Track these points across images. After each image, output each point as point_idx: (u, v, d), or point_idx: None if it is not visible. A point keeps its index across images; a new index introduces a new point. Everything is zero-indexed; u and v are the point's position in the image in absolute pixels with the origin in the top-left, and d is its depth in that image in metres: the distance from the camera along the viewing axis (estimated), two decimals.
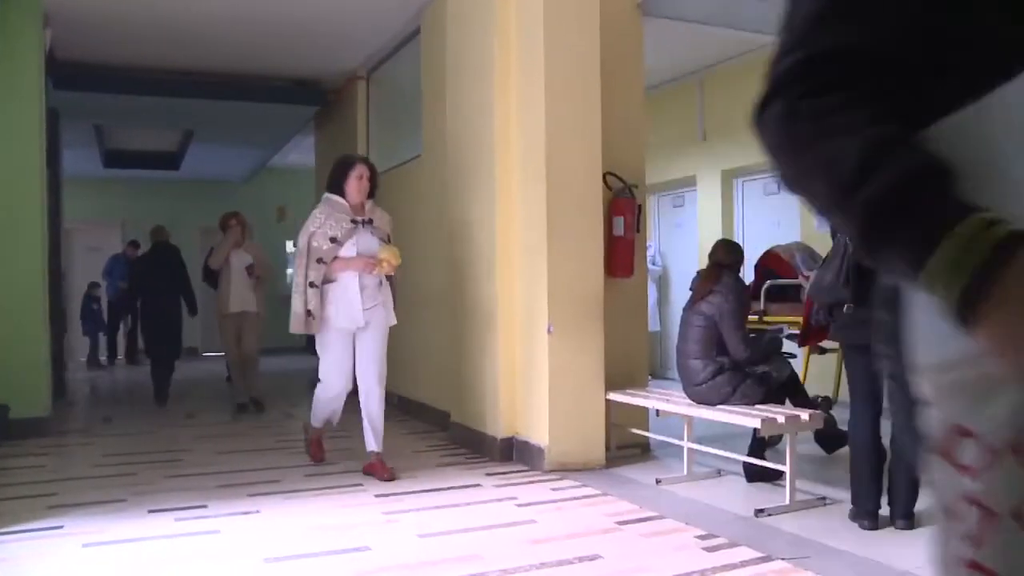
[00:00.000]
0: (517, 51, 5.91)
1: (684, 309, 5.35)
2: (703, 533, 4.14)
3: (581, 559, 3.77)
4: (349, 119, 10.28)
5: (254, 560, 3.85)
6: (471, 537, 4.17)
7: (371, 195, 5.55)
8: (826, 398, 6.28)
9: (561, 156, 5.57)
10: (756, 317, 6.05)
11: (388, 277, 5.54)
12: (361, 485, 5.27)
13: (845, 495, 4.39)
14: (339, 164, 5.62)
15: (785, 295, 6.21)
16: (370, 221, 5.47)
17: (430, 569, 3.71)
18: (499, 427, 5.95)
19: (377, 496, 4.99)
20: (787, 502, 4.52)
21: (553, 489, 5.09)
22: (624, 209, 5.92)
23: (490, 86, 6.04)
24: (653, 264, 10.46)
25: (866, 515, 4.17)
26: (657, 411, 5.62)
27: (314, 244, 5.35)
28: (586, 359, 5.60)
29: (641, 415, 5.98)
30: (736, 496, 4.88)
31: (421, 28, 7.84)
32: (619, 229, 5.90)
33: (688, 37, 7.84)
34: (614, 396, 5.69)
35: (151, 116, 11.16)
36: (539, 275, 5.60)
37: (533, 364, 5.70)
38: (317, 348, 5.58)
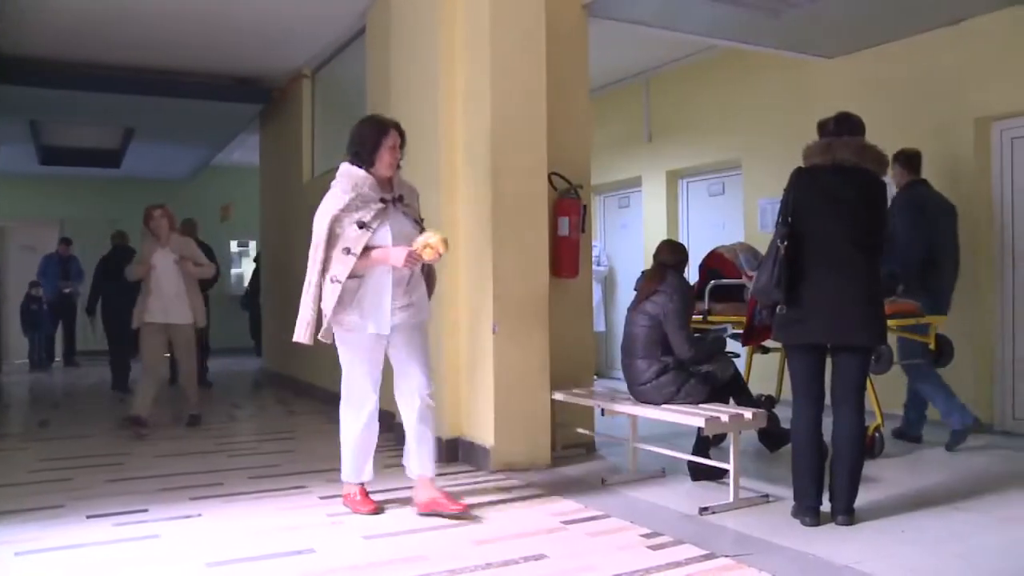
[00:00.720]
0: (462, 51, 5.90)
1: (629, 309, 5.38)
2: (648, 532, 4.16)
3: (527, 559, 3.77)
4: (294, 118, 10.19)
5: (196, 565, 3.78)
6: (417, 538, 4.15)
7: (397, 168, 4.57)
8: (769, 397, 6.36)
9: (506, 156, 5.57)
10: (700, 317, 6.10)
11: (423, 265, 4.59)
12: (305, 487, 5.22)
13: (788, 492, 4.45)
14: (368, 128, 4.48)
15: (729, 295, 6.27)
16: (400, 198, 4.49)
17: (376, 570, 3.68)
18: (444, 428, 5.92)
19: (322, 498, 4.95)
20: (731, 500, 4.57)
21: (499, 489, 5.09)
22: (569, 209, 5.94)
23: (435, 86, 6.02)
24: (598, 264, 10.52)
25: (808, 511, 4.23)
26: (602, 410, 5.64)
27: (338, 230, 4.31)
28: (531, 359, 5.61)
29: (587, 415, 6.00)
30: (681, 494, 4.92)
31: (366, 27, 7.80)
32: (564, 229, 5.92)
33: (634, 39, 7.90)
34: (559, 396, 5.70)
35: (90, 112, 10.94)
36: (484, 275, 5.59)
37: (478, 364, 5.69)
38: (342, 360, 4.58)
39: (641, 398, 5.19)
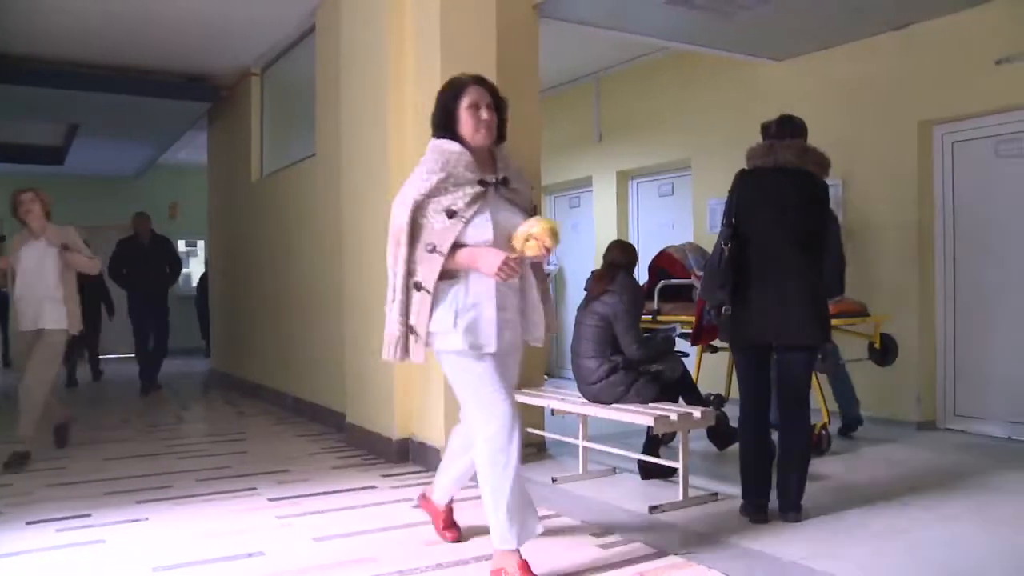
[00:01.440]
0: (413, 51, 5.89)
1: (579, 309, 5.40)
2: (598, 530, 4.19)
3: (477, 559, 3.77)
4: (243, 116, 10.09)
5: (142, 569, 3.73)
6: (367, 539, 4.13)
7: (501, 136, 3.67)
8: (718, 396, 6.42)
9: None
10: (650, 316, 6.15)
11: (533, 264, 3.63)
12: (255, 489, 5.17)
13: (736, 490, 4.49)
14: (441, 91, 3.64)
15: (678, 295, 6.33)
16: (505, 181, 3.54)
17: (325, 572, 3.67)
18: (395, 428, 5.91)
19: (271, 500, 4.90)
20: (680, 498, 4.61)
21: None
22: None
23: (385, 86, 6.00)
24: (549, 264, 10.55)
25: (756, 509, 4.27)
26: (552, 410, 5.66)
27: (422, 221, 3.42)
28: None
29: (537, 414, 6.01)
30: (631, 493, 4.95)
31: (316, 26, 7.74)
32: None
33: (584, 40, 7.93)
34: None
35: (30, 108, 10.69)
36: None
37: (428, 365, 5.67)
38: (456, 390, 3.58)
39: (591, 397, 5.21)
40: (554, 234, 3.32)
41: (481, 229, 3.38)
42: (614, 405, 5.06)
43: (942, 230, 6.88)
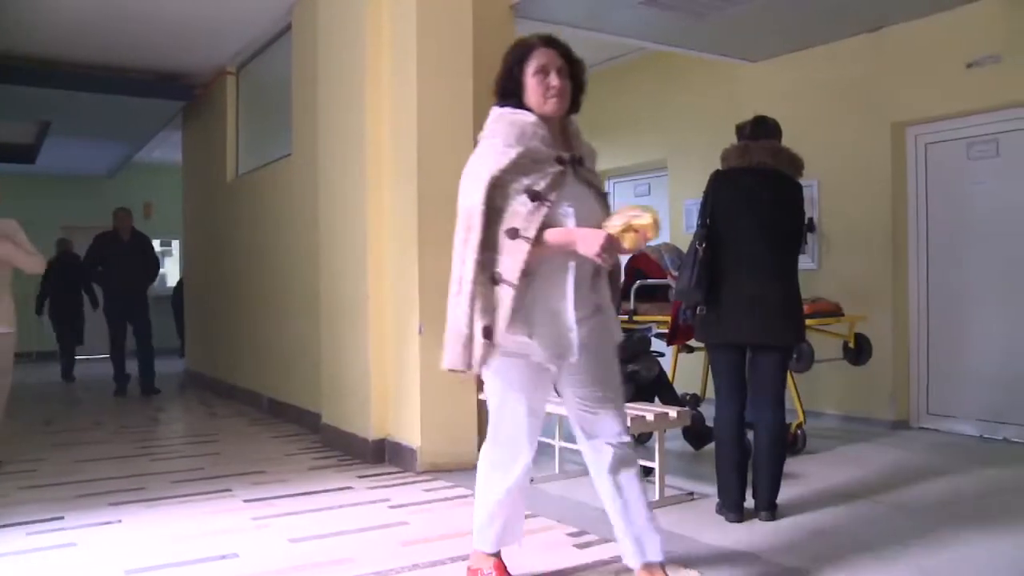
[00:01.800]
0: (389, 50, 5.87)
1: None
2: (575, 530, 4.19)
3: (454, 559, 3.76)
4: (218, 115, 10.03)
5: (114, 572, 3.69)
6: (343, 540, 4.11)
7: (575, 108, 3.18)
8: (694, 396, 6.44)
9: (433, 156, 5.55)
10: (626, 317, 6.15)
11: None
12: (230, 490, 5.13)
13: (712, 489, 4.52)
14: (509, 53, 3.17)
15: (654, 295, 6.34)
16: (580, 161, 3.08)
17: (301, 574, 3.64)
18: (371, 429, 5.89)
19: (246, 501, 4.87)
20: (656, 498, 4.62)
21: (426, 490, 5.07)
22: None
23: (362, 85, 5.98)
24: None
25: (731, 508, 4.30)
26: None
27: (500, 202, 2.89)
28: None
29: None
30: None
31: (292, 25, 7.70)
32: None
33: (561, 40, 7.92)
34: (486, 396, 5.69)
35: (1, 105, 10.56)
36: (410, 275, 5.56)
37: (404, 365, 5.66)
38: (488, 394, 3.24)
39: None
40: (658, 227, 2.89)
41: (563, 215, 2.90)
42: None
43: (915, 230, 6.93)
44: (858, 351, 6.22)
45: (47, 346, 13.38)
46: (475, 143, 3.15)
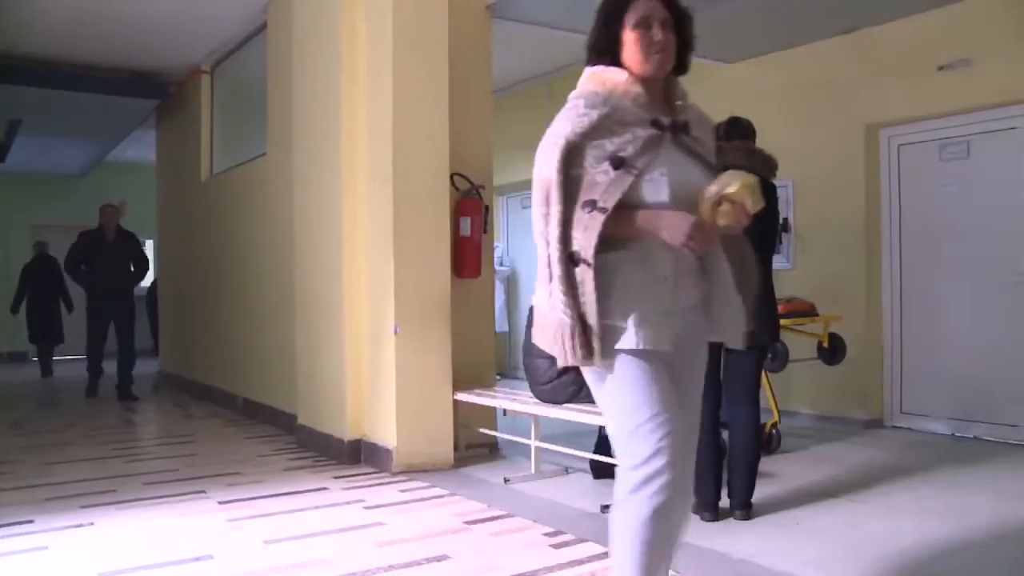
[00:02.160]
0: (365, 49, 5.86)
1: (530, 309, 5.41)
2: (551, 530, 4.19)
3: (429, 560, 3.76)
4: (192, 114, 9.97)
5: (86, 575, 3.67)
6: (318, 541, 4.09)
7: (681, 68, 2.72)
8: None
9: (408, 156, 5.54)
10: None
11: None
12: (204, 492, 5.10)
13: None
14: (605, 3, 2.73)
15: None
16: (684, 126, 2.62)
17: (277, 575, 3.63)
18: (346, 429, 5.88)
19: (221, 503, 4.84)
20: None
21: (401, 491, 5.06)
22: (471, 210, 5.94)
23: (337, 84, 5.96)
24: (501, 265, 10.56)
25: (707, 507, 4.32)
26: (504, 410, 5.67)
27: (577, 171, 2.48)
28: (433, 359, 5.60)
29: (489, 415, 6.02)
30: (583, 493, 4.97)
31: (268, 23, 7.67)
32: (466, 230, 5.92)
33: (537, 40, 7.93)
34: (462, 396, 5.70)
35: None
36: (385, 276, 5.55)
37: (380, 365, 5.65)
38: (599, 398, 2.65)
39: (543, 397, 5.22)
40: (755, 193, 2.42)
41: (655, 187, 2.46)
42: (566, 405, 5.08)
43: (888, 231, 6.99)
44: (832, 351, 6.27)
45: (19, 346, 13.31)
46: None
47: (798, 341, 6.24)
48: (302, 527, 4.33)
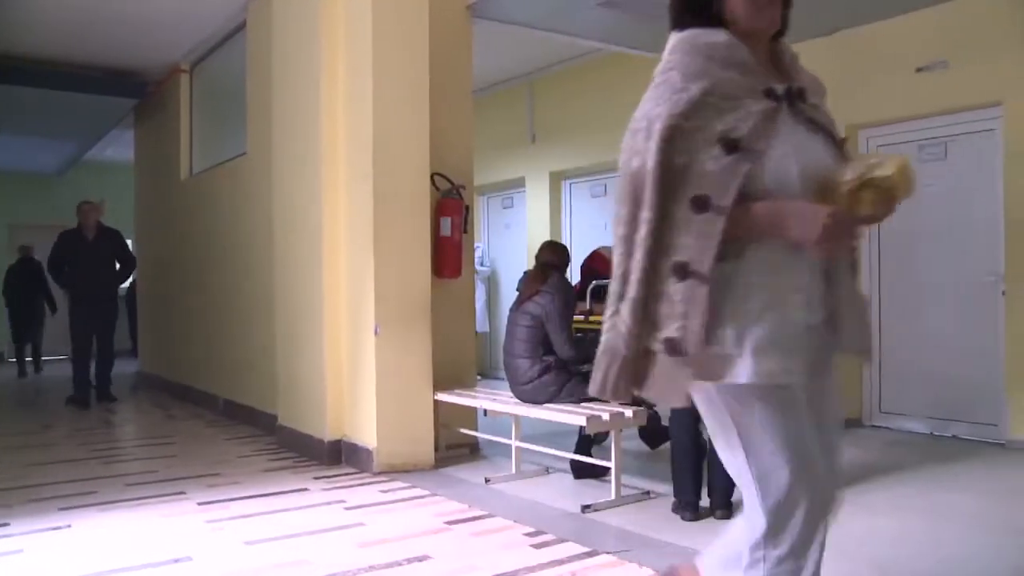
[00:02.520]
0: (345, 49, 5.84)
1: (511, 309, 5.42)
2: (531, 530, 4.19)
3: (410, 560, 3.75)
4: (171, 113, 9.91)
5: None
6: (298, 542, 4.08)
7: (783, 27, 2.19)
8: None
9: (388, 156, 5.53)
10: (582, 317, 6.18)
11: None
12: (184, 493, 5.07)
13: (668, 489, 4.55)
14: None
15: None
16: (801, 93, 2.13)
17: None
18: (327, 429, 5.86)
19: (200, 504, 4.81)
20: (612, 497, 4.64)
21: (382, 491, 5.05)
22: (451, 210, 5.93)
23: (317, 84, 5.94)
24: (481, 265, 10.56)
25: (687, 507, 4.33)
26: (485, 411, 5.67)
27: (681, 159, 1.97)
28: (413, 360, 5.59)
29: (470, 415, 6.01)
30: (563, 493, 4.97)
31: (247, 21, 7.63)
32: (446, 230, 5.91)
33: (518, 40, 7.94)
34: (442, 396, 5.69)
35: None
36: (366, 276, 5.54)
37: (360, 365, 5.64)
38: (719, 442, 2.16)
39: (523, 397, 5.23)
40: (910, 178, 1.94)
41: (781, 171, 1.96)
42: (546, 405, 5.09)
43: (866, 231, 7.03)
44: None
45: None
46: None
47: None
48: (282, 528, 4.31)
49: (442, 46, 5.91)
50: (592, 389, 2.13)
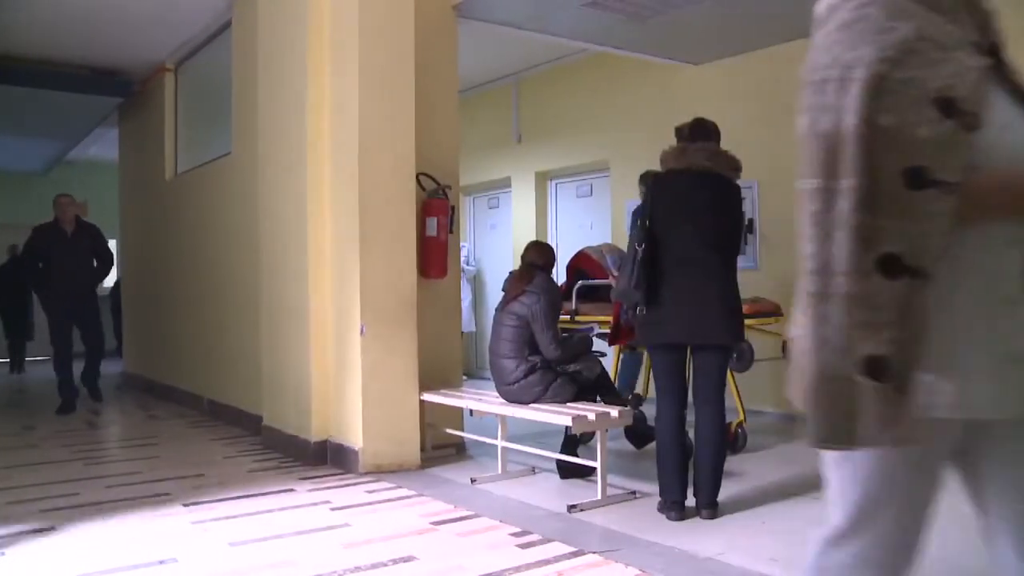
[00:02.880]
0: (331, 49, 5.83)
1: (497, 309, 5.42)
2: (517, 530, 4.19)
3: (396, 561, 3.75)
4: (156, 113, 9.87)
5: None
6: (284, 543, 4.07)
7: None
8: (636, 395, 6.49)
9: (374, 156, 5.52)
10: (567, 317, 6.18)
11: None
12: (168, 494, 5.05)
13: (654, 488, 4.55)
14: None
15: (596, 295, 6.38)
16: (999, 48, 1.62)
17: None
18: (312, 430, 5.84)
19: (185, 505, 4.79)
20: (599, 497, 4.65)
21: (368, 491, 5.05)
22: (437, 210, 5.93)
23: (303, 84, 5.93)
24: (467, 265, 10.56)
25: (673, 506, 4.34)
26: (471, 411, 5.67)
27: (888, 120, 1.42)
28: (399, 360, 5.58)
29: (456, 415, 6.01)
30: (549, 493, 4.98)
31: (233, 21, 7.61)
32: (432, 230, 5.90)
33: (504, 40, 7.94)
34: (428, 396, 5.69)
35: None
36: (351, 276, 5.53)
37: (346, 365, 5.63)
38: (833, 487, 1.80)
39: (509, 397, 5.23)
40: None
41: (1007, 141, 1.51)
42: (532, 405, 5.09)
43: None
44: None
45: None
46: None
47: (763, 341, 6.29)
48: (268, 529, 4.30)
49: (428, 46, 5.90)
50: (812, 433, 1.60)
